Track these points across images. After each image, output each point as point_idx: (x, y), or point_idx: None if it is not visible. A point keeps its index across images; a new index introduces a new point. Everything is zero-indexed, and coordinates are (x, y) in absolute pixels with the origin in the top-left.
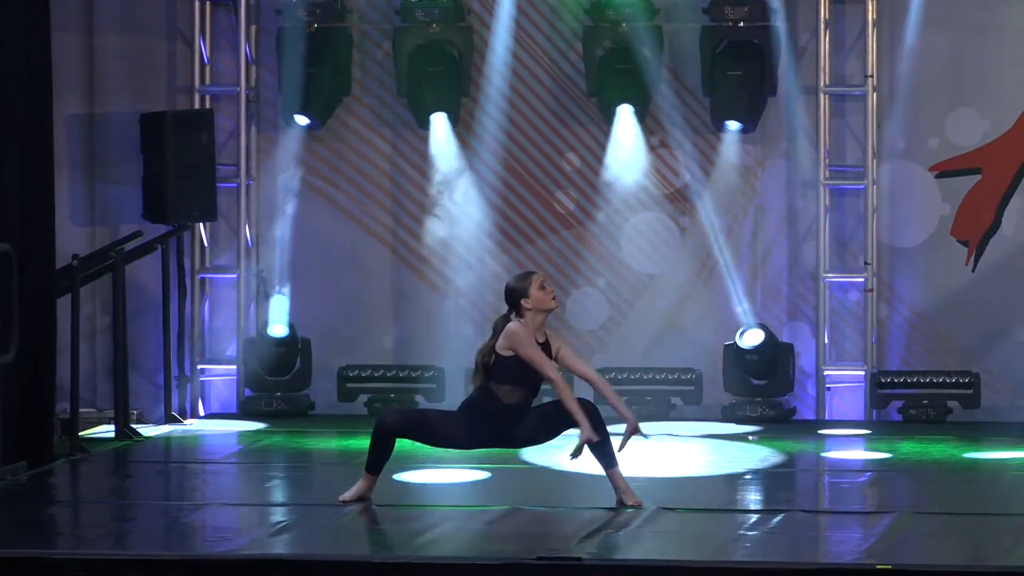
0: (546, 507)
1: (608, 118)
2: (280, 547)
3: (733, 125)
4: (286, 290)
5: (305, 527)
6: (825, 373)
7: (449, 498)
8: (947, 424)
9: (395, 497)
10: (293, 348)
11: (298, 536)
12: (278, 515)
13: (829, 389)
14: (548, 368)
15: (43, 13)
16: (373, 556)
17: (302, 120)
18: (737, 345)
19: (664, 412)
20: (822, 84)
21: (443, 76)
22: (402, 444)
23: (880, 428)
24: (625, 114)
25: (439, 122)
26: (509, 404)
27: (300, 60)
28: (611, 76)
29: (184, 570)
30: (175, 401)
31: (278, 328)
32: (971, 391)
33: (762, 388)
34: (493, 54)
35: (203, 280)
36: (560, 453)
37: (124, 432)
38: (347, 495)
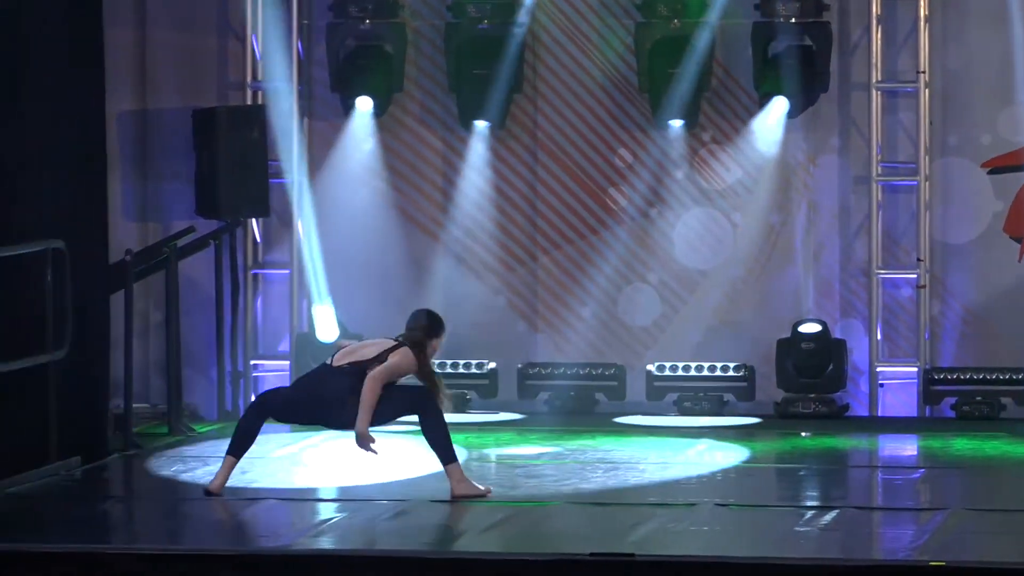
0: (597, 503)
1: (660, 115)
2: (329, 543)
3: (783, 121)
4: (328, 299)
5: (355, 523)
6: (878, 370)
7: (499, 492)
8: (1000, 421)
9: (447, 492)
10: None
11: (347, 532)
12: (330, 510)
13: (882, 386)
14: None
15: (96, 9)
16: (421, 552)
17: (364, 104)
18: (790, 341)
19: (716, 408)
20: (874, 80)
21: (488, 77)
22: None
23: (933, 425)
24: (678, 110)
25: (479, 129)
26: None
27: (353, 55)
28: (663, 72)
29: (235, 565)
30: (228, 397)
31: (325, 334)
32: None
33: (815, 384)
34: (545, 50)
35: (255, 276)
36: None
37: (177, 427)
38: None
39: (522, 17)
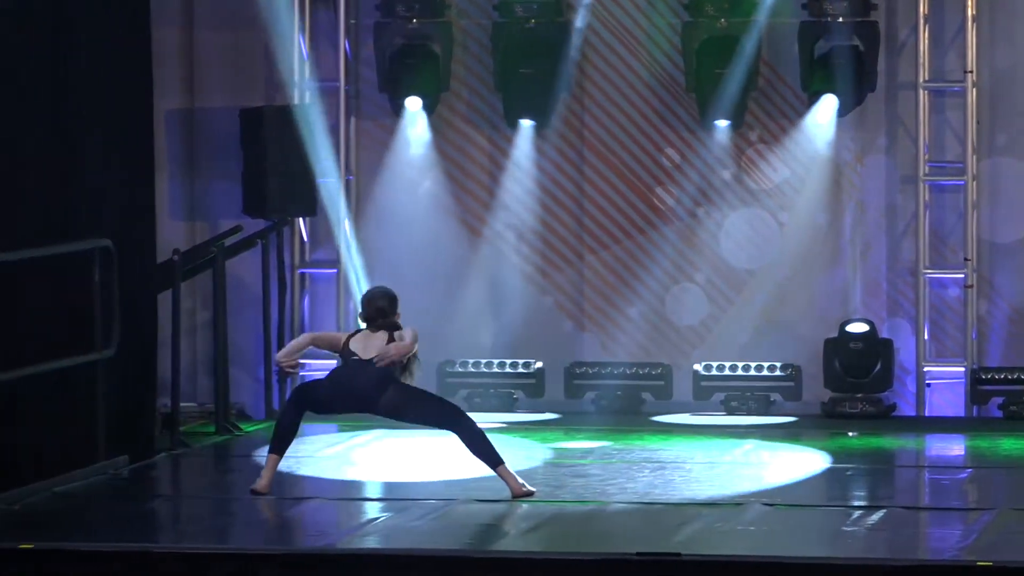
0: (642, 503)
1: (707, 114)
2: (374, 542)
3: (834, 120)
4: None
5: (402, 522)
6: (925, 369)
7: (545, 492)
8: None
9: (495, 492)
10: None
11: (395, 531)
12: (375, 510)
13: (929, 385)
14: None
15: (144, 9)
16: (469, 551)
17: (414, 104)
18: (838, 341)
19: (763, 408)
20: (921, 79)
21: (535, 76)
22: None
23: (980, 424)
24: (725, 110)
25: (525, 128)
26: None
27: (400, 54)
28: (710, 72)
29: (281, 564)
30: (275, 396)
31: None
32: None
33: (862, 384)
34: (592, 50)
35: (303, 275)
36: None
37: (224, 426)
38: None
39: (580, 20)
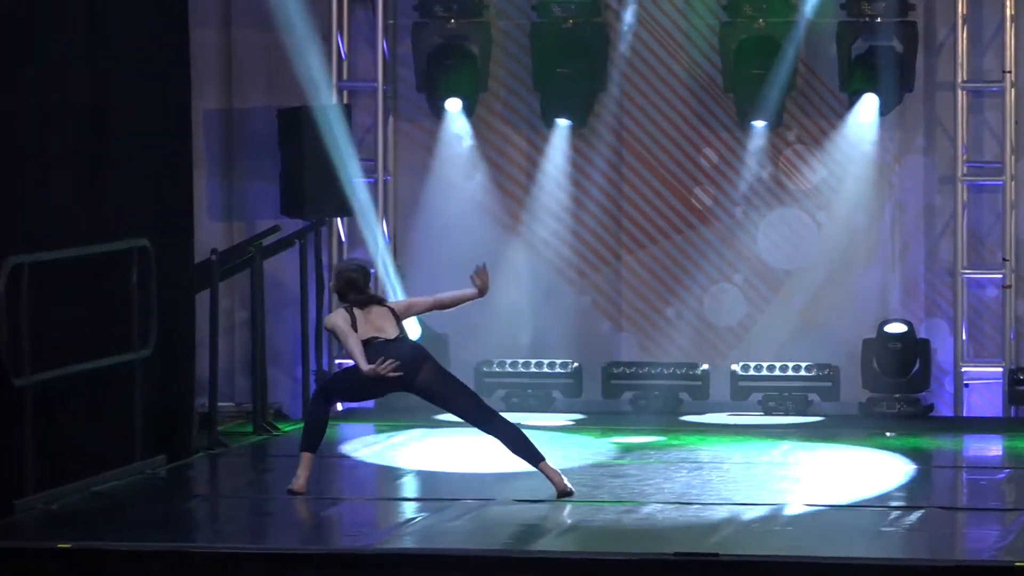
0: (680, 503)
1: (745, 114)
2: (414, 541)
3: (874, 120)
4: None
5: (439, 522)
6: (963, 370)
7: (584, 492)
8: None
9: (531, 491)
10: (429, 344)
11: (432, 531)
12: (413, 510)
13: (967, 386)
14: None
15: (182, 9)
16: (505, 551)
17: (454, 105)
18: (876, 341)
19: (801, 408)
20: (959, 80)
21: (573, 76)
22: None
23: (1018, 425)
24: (763, 110)
25: (563, 129)
26: None
27: (438, 55)
28: (748, 72)
29: (318, 564)
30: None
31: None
32: None
33: (900, 384)
34: (630, 49)
35: None
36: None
37: (262, 426)
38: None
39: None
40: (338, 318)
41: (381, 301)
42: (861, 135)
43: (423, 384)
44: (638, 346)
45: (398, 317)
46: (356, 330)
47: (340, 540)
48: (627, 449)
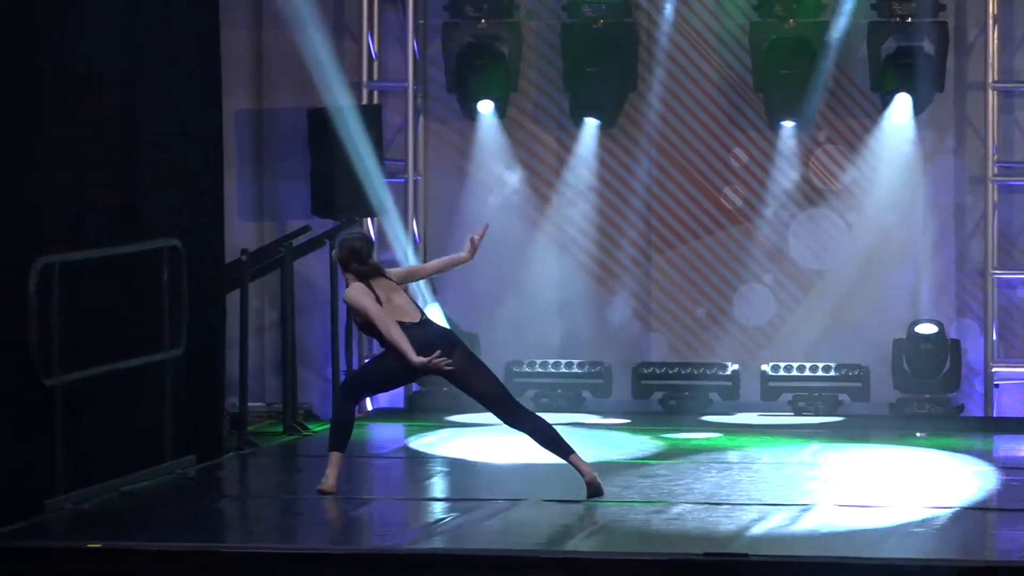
0: (710, 503)
1: (775, 114)
2: (444, 542)
3: (907, 120)
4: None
5: (469, 522)
6: (993, 370)
7: (613, 492)
8: None
9: (561, 492)
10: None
11: (462, 531)
12: (442, 510)
13: (997, 386)
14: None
15: (212, 10)
16: (535, 551)
17: (486, 107)
18: (906, 341)
19: (831, 409)
20: (990, 80)
21: (603, 75)
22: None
23: None
24: (793, 110)
25: (593, 129)
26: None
27: (469, 55)
28: (778, 72)
29: (348, 564)
30: None
31: None
32: None
33: (930, 385)
34: (660, 49)
35: None
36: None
37: (292, 426)
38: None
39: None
40: (364, 297)
41: (383, 271)
42: (892, 135)
43: (454, 369)
44: (668, 346)
45: (408, 294)
46: (376, 304)
47: (370, 540)
48: (657, 449)
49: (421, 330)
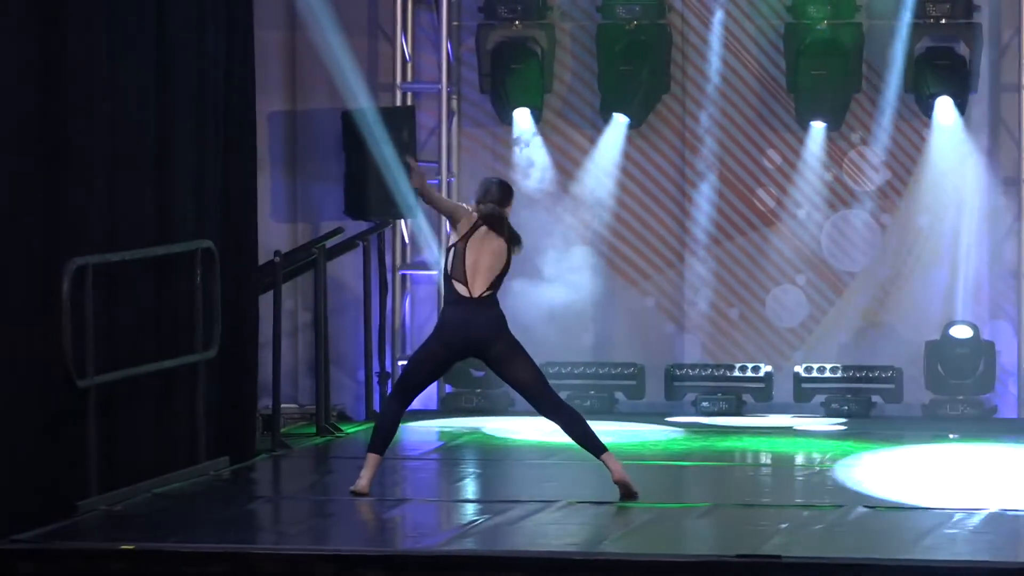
0: (743, 504)
1: (808, 115)
2: (476, 543)
3: (934, 122)
4: None
5: (501, 523)
6: None
7: (644, 494)
8: None
9: (591, 493)
10: None
11: (494, 532)
12: (475, 511)
13: None
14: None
15: (246, 11)
16: (567, 552)
17: (523, 114)
18: (940, 343)
19: (864, 410)
20: None
21: (636, 76)
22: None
23: None
24: (827, 111)
25: (627, 130)
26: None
27: (503, 57)
28: (811, 73)
29: (381, 565)
30: (376, 397)
31: None
32: None
33: (963, 387)
34: (694, 51)
35: (404, 276)
36: None
37: (325, 428)
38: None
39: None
40: (464, 208)
41: (501, 229)
42: (925, 137)
43: (496, 355)
44: (701, 347)
45: (499, 268)
46: (464, 241)
47: (402, 541)
48: (690, 450)
49: (462, 309)
